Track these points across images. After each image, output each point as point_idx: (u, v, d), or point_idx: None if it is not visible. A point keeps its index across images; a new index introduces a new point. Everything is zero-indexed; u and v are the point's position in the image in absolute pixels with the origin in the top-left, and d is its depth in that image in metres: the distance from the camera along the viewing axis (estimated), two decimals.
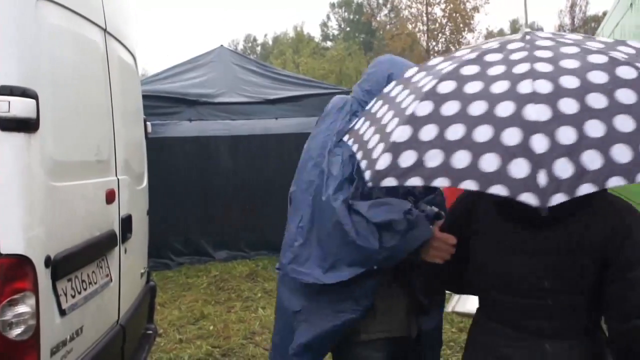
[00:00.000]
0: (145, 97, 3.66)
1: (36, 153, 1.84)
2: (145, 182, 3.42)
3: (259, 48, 55.17)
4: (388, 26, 36.40)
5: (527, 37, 1.43)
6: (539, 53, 1.33)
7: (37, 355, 1.81)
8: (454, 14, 30.51)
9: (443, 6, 30.83)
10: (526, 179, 1.12)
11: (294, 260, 1.87)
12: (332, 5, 51.28)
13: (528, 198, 1.10)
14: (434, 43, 31.89)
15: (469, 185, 1.16)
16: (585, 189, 1.11)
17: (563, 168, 1.12)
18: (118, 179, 2.71)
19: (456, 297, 5.08)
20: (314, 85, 7.84)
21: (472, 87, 1.29)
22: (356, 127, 1.60)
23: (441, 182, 1.20)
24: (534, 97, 1.21)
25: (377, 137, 1.41)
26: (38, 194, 1.86)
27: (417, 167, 1.23)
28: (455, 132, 1.23)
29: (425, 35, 31.68)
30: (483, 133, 1.19)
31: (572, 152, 1.13)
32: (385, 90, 1.59)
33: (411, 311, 1.99)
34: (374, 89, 1.96)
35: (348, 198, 1.79)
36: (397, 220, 1.71)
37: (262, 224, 6.74)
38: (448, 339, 4.22)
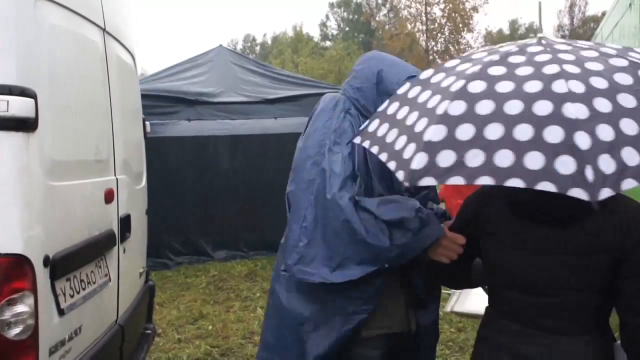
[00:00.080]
0: (144, 96, 3.66)
1: (35, 152, 1.84)
2: (144, 182, 3.42)
3: (258, 48, 55.17)
4: (387, 26, 36.45)
5: (543, 41, 1.47)
6: (562, 56, 1.38)
7: (36, 354, 1.81)
8: (453, 14, 30.56)
9: (442, 6, 30.90)
10: (574, 175, 1.16)
11: (300, 260, 1.84)
12: (331, 5, 51.31)
13: (578, 193, 1.14)
14: (433, 43, 31.94)
15: (515, 183, 1.19)
16: (628, 184, 1.16)
17: (606, 164, 1.17)
18: (117, 179, 2.71)
19: (455, 297, 5.09)
20: (313, 85, 7.84)
21: (504, 87, 1.32)
22: (370, 129, 1.59)
23: (485, 181, 1.22)
24: (571, 96, 1.25)
25: (404, 137, 1.41)
26: (37, 194, 1.85)
27: (458, 167, 1.25)
28: (494, 131, 1.25)
29: (425, 35, 31.72)
30: (524, 131, 1.23)
31: (612, 148, 1.19)
32: (400, 91, 1.59)
33: (410, 306, 2.00)
34: (364, 86, 1.98)
35: (354, 195, 1.78)
36: (409, 218, 1.72)
37: (261, 224, 6.74)
38: (447, 339, 4.22)
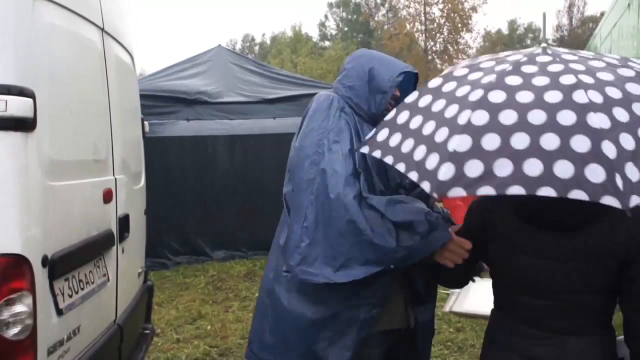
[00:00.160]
0: (142, 96, 3.65)
1: (33, 152, 1.83)
2: (142, 182, 3.42)
3: (257, 47, 55.16)
4: (386, 26, 36.44)
5: (549, 51, 1.48)
6: (574, 66, 1.40)
7: (34, 354, 1.81)
8: (452, 14, 30.55)
9: (441, 6, 30.88)
10: (604, 183, 1.18)
11: (303, 261, 1.83)
12: (330, 5, 51.29)
13: (610, 201, 1.17)
14: (431, 43, 31.93)
15: (547, 192, 1.20)
16: None
17: (632, 172, 1.21)
18: (115, 179, 2.71)
19: (453, 297, 5.09)
20: (312, 85, 7.82)
21: (524, 97, 1.33)
22: (379, 139, 1.57)
23: (516, 190, 1.22)
24: (592, 106, 1.28)
25: (423, 147, 1.41)
26: (35, 194, 1.85)
27: (487, 176, 1.25)
28: (520, 140, 1.26)
29: (423, 35, 31.72)
30: (550, 140, 1.24)
31: (636, 157, 1.22)
32: (408, 100, 1.58)
33: (409, 303, 2.02)
34: (356, 84, 2.00)
35: (358, 193, 1.78)
36: (418, 221, 1.72)
37: (259, 224, 6.72)
38: (445, 339, 4.22)
